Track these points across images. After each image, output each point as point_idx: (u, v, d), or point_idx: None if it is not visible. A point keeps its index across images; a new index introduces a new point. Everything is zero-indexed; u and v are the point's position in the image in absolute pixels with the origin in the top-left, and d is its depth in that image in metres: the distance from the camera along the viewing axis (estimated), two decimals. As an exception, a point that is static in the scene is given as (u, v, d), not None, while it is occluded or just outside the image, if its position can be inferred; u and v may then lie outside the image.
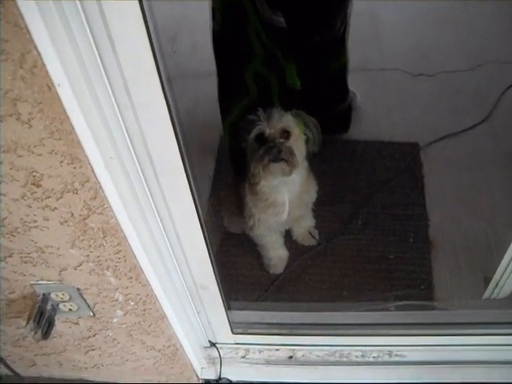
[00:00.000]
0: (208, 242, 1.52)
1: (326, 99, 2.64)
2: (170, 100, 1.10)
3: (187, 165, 1.26)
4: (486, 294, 2.08)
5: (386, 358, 2.03)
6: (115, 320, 1.63)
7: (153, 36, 0.95)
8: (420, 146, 2.76)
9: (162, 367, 1.93)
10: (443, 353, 2.00)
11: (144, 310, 1.57)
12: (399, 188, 2.63)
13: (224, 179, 2.57)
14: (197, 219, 1.41)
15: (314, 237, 2.44)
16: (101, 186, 1.11)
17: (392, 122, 2.88)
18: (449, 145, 2.76)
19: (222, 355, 2.06)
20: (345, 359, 2.05)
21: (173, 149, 1.19)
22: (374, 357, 2.03)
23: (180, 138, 1.18)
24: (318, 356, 2.06)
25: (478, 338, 1.97)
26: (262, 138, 1.92)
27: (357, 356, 2.04)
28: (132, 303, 1.54)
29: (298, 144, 1.96)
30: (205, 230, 1.47)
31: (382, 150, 2.78)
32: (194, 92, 2.99)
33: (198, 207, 1.39)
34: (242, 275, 2.41)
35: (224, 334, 2.01)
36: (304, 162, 2.01)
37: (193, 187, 1.32)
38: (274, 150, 1.88)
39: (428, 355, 2.01)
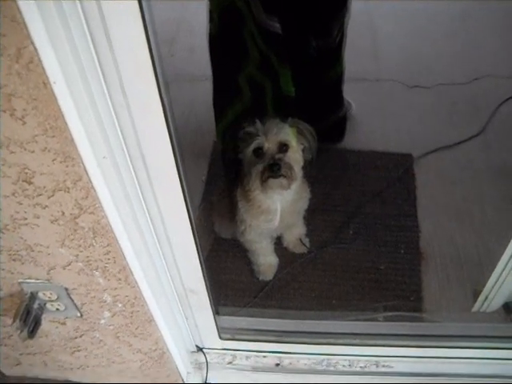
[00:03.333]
0: (198, 246, 1.51)
1: (321, 107, 2.64)
2: (165, 102, 1.09)
3: (180, 168, 1.25)
4: (475, 307, 2.06)
5: (373, 369, 2.01)
6: (103, 321, 1.62)
7: (151, 37, 0.95)
8: (413, 158, 2.77)
9: (148, 370, 1.91)
10: (430, 365, 1.99)
11: (132, 312, 1.56)
12: (391, 199, 2.63)
13: (216, 184, 2.55)
14: (188, 223, 1.41)
15: (304, 244, 2.44)
16: (93, 186, 1.11)
17: (386, 133, 2.89)
18: (442, 157, 2.76)
19: (208, 360, 2.04)
20: (332, 368, 2.03)
21: (167, 152, 1.18)
22: (361, 367, 2.02)
23: (174, 140, 1.18)
24: (305, 364, 2.04)
25: (466, 351, 1.96)
26: (259, 152, 1.92)
27: (344, 365, 2.03)
28: (120, 305, 1.52)
29: (296, 156, 1.97)
30: (196, 234, 1.47)
31: (376, 160, 2.77)
32: (189, 96, 2.98)
33: (190, 211, 1.38)
34: (232, 281, 2.40)
35: (211, 339, 1.99)
36: (300, 172, 2.01)
37: (185, 191, 1.31)
38: (274, 168, 1.88)
39: (415, 367, 1.99)
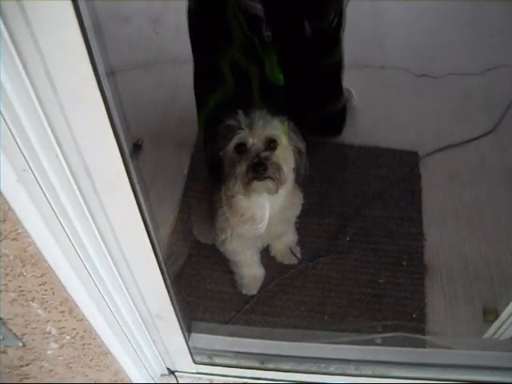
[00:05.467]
0: (164, 268, 1.27)
1: (317, 97, 2.39)
2: (109, 94, 0.81)
3: (134, 176, 0.97)
4: (489, 334, 1.84)
5: None
6: (50, 352, 1.39)
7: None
8: (419, 156, 2.54)
9: (110, 399, 1.67)
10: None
11: (83, 345, 1.34)
12: (394, 201, 2.39)
13: (198, 180, 2.29)
14: (149, 244, 1.14)
15: (295, 254, 2.16)
16: (10, 207, 0.83)
17: (390, 127, 2.66)
18: (451, 156, 2.54)
19: None
20: None
21: (114, 152, 0.90)
22: None
23: (122, 137, 0.89)
24: None
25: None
26: (243, 149, 1.64)
27: None
28: (68, 337, 1.30)
29: (286, 155, 1.68)
30: (160, 255, 1.21)
31: (378, 158, 2.55)
32: (173, 79, 2.77)
33: (151, 228, 1.11)
34: (211, 291, 2.14)
35: (184, 362, 1.76)
36: (290, 174, 1.72)
37: (142, 203, 1.04)
38: (259, 168, 1.59)
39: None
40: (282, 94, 2.04)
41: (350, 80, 2.51)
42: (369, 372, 1.79)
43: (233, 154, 1.64)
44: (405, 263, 2.20)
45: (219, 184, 1.77)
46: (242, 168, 1.60)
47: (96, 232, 1.05)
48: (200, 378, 1.82)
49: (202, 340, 1.80)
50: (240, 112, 1.65)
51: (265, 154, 1.61)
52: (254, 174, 1.59)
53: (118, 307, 1.31)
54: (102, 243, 1.09)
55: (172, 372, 1.80)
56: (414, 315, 2.08)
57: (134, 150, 2.35)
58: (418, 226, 2.31)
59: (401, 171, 2.49)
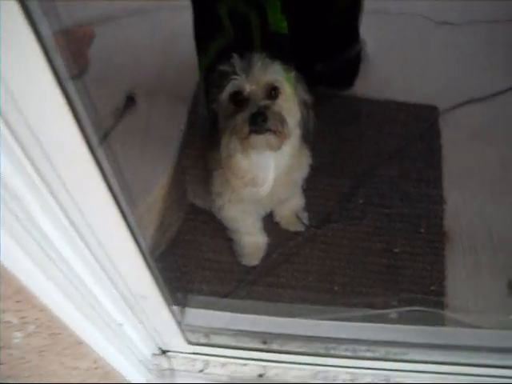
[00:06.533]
0: (142, 245, 1.07)
1: (329, 43, 2.15)
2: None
3: (94, 148, 0.77)
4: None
5: None
6: (16, 340, 1.20)
7: None
8: (439, 111, 2.33)
9: (94, 384, 1.50)
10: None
11: (51, 334, 1.16)
12: (411, 160, 2.20)
13: (196, 137, 2.09)
14: (120, 217, 0.94)
15: (301, 220, 1.95)
16: None
17: (407, 79, 2.43)
18: (474, 111, 2.33)
19: (174, 367, 1.65)
20: (330, 382, 1.63)
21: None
22: (367, 382, 1.62)
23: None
24: (296, 377, 1.64)
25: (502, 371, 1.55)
26: (239, 98, 1.41)
27: (345, 380, 1.63)
28: (33, 326, 1.12)
29: (290, 105, 1.46)
30: (135, 230, 1.02)
31: (393, 113, 2.34)
32: (171, 26, 2.54)
33: (121, 199, 0.91)
34: (209, 261, 1.95)
35: (177, 342, 1.59)
36: (296, 129, 1.51)
37: (106, 173, 0.83)
38: (258, 119, 1.37)
39: (435, 383, 1.61)
40: (286, 42, 1.81)
41: (363, 27, 2.27)
42: (382, 353, 1.61)
43: (227, 104, 1.44)
44: (423, 230, 2.01)
45: (215, 142, 1.56)
46: (237, 120, 1.39)
47: (52, 201, 0.85)
48: (195, 359, 1.65)
49: (199, 316, 1.66)
50: (235, 56, 1.43)
51: (265, 102, 1.40)
52: (252, 127, 1.38)
53: (91, 291, 1.12)
54: (61, 214, 0.88)
55: (164, 352, 1.64)
56: (432, 288, 1.90)
57: (126, 104, 2.18)
58: (437, 188, 2.12)
59: (419, 127, 2.29)
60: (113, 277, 1.14)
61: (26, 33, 0.60)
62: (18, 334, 1.15)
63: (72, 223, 0.91)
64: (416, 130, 2.27)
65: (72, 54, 2.43)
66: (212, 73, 1.50)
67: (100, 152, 0.81)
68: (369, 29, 2.34)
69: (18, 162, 0.74)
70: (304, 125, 1.52)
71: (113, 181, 0.87)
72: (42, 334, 1.14)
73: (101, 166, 0.81)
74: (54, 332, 1.12)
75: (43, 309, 1.00)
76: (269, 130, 1.39)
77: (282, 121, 1.40)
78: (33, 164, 0.76)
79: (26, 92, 0.67)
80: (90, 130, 0.76)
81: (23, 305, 0.98)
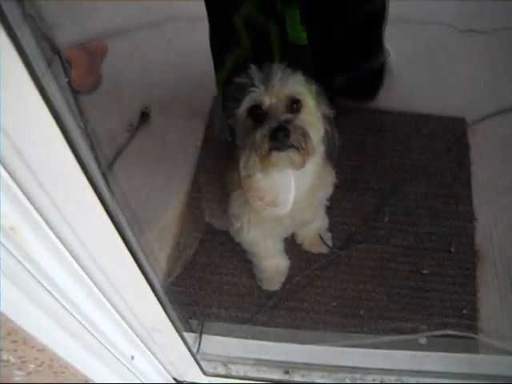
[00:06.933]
0: (152, 277, 0.98)
1: (352, 53, 2.05)
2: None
3: (92, 171, 0.68)
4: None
5: None
6: (17, 378, 1.11)
7: None
8: (467, 123, 2.22)
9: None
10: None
11: (54, 373, 1.06)
12: (439, 176, 2.09)
13: (213, 154, 1.99)
14: (126, 250, 0.85)
15: (325, 242, 1.84)
16: None
17: (433, 90, 2.33)
18: (504, 122, 2.21)
19: None
20: None
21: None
22: None
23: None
24: None
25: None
26: (258, 112, 1.31)
27: None
28: (32, 365, 1.02)
29: (313, 119, 1.36)
30: (143, 262, 0.93)
31: (419, 126, 2.23)
32: (187, 39, 2.47)
33: (128, 238, 0.82)
34: (227, 284, 1.85)
35: (193, 374, 1.50)
36: (320, 145, 1.40)
37: (108, 204, 0.74)
38: (279, 134, 1.26)
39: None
40: (306, 54, 1.72)
41: (385, 37, 2.17)
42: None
43: (245, 119, 1.33)
44: (452, 249, 1.90)
45: (233, 161, 1.46)
46: (257, 136, 1.28)
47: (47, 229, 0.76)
48: None
49: (216, 344, 1.59)
50: (252, 67, 1.33)
51: (286, 116, 1.29)
52: (272, 143, 1.27)
53: (97, 326, 1.03)
54: (59, 245, 0.80)
55: (180, 383, 1.55)
56: (464, 312, 1.79)
57: (140, 120, 2.10)
58: (467, 205, 2.01)
59: (446, 141, 2.18)
60: (121, 310, 1.05)
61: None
62: (19, 373, 1.06)
63: (70, 251, 0.82)
64: (443, 143, 2.17)
65: (84, 69, 2.37)
66: (229, 86, 1.41)
67: (101, 182, 0.73)
68: (392, 38, 2.26)
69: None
70: (328, 141, 1.41)
71: (115, 210, 0.78)
72: (43, 373, 1.05)
73: (101, 194, 0.73)
74: (57, 371, 1.03)
75: (42, 349, 0.91)
76: (291, 146, 1.28)
77: (306, 136, 1.29)
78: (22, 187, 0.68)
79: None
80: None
81: (19, 345, 0.89)
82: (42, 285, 0.81)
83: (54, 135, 0.61)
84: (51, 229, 0.75)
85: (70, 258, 0.83)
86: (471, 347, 1.70)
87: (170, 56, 2.44)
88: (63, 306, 0.89)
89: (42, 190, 0.67)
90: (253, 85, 1.29)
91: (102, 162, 0.81)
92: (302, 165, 1.34)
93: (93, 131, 0.83)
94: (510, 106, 2.23)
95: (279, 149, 1.28)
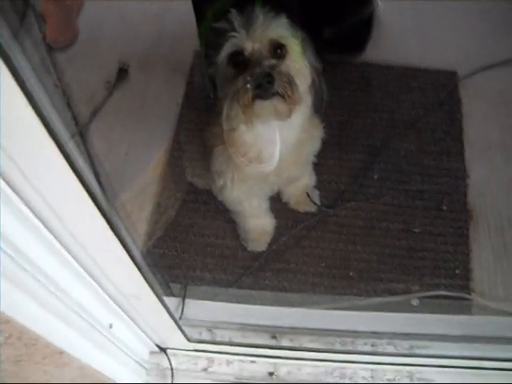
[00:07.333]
0: (127, 243, 0.93)
1: (338, 3, 1.97)
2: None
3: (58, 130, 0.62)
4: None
5: (406, 381, 1.50)
6: None
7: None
8: (459, 77, 2.17)
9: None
10: (484, 377, 1.48)
11: (25, 345, 1.00)
12: (429, 131, 2.04)
13: (194, 111, 1.92)
14: (103, 221, 0.80)
15: (312, 200, 1.79)
16: None
17: (423, 42, 2.28)
18: (497, 76, 2.16)
19: (174, 366, 1.53)
20: (347, 381, 1.51)
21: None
22: (388, 379, 1.51)
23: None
24: (310, 374, 1.52)
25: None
26: (240, 59, 1.23)
27: (365, 377, 1.52)
28: (0, 338, 0.93)
29: (299, 66, 1.28)
30: (119, 229, 0.87)
31: (409, 80, 2.18)
32: None
33: (102, 203, 0.76)
34: (211, 246, 1.80)
35: (176, 340, 1.48)
36: (307, 95, 1.33)
37: (76, 165, 0.67)
38: (263, 80, 1.18)
39: (464, 379, 1.49)
40: (292, 3, 1.63)
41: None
42: (405, 346, 1.50)
43: (227, 67, 1.25)
44: (445, 208, 1.86)
45: (215, 115, 1.38)
46: (239, 84, 1.20)
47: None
48: (198, 357, 1.54)
49: (200, 309, 1.57)
50: (233, 11, 1.24)
51: (270, 62, 1.21)
52: (256, 91, 1.19)
53: (70, 294, 0.96)
54: (26, 209, 0.73)
55: (163, 349, 1.51)
56: (456, 271, 1.76)
57: (118, 76, 2.01)
58: (459, 161, 1.98)
59: (437, 95, 2.13)
60: (95, 276, 0.99)
61: None
62: (-14, 345, 1.00)
63: (36, 214, 0.76)
64: (434, 98, 2.12)
65: (60, 24, 2.25)
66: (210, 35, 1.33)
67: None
68: (380, -13, 2.20)
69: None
70: (315, 92, 1.33)
71: (85, 170, 0.72)
72: (13, 345, 0.99)
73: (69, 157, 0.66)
74: (28, 343, 0.97)
75: (8, 321, 0.84)
76: (276, 94, 1.20)
77: (291, 83, 1.21)
78: None
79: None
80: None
81: (-18, 316, 0.82)
82: (5, 252, 0.74)
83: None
84: (16, 193, 0.70)
85: (37, 222, 0.76)
86: (464, 308, 1.68)
87: (148, 8, 2.35)
88: (30, 274, 0.82)
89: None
90: (233, 29, 1.21)
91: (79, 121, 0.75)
92: (288, 115, 1.26)
93: (69, 88, 0.77)
94: (503, 59, 2.17)
95: (263, 97, 1.20)
